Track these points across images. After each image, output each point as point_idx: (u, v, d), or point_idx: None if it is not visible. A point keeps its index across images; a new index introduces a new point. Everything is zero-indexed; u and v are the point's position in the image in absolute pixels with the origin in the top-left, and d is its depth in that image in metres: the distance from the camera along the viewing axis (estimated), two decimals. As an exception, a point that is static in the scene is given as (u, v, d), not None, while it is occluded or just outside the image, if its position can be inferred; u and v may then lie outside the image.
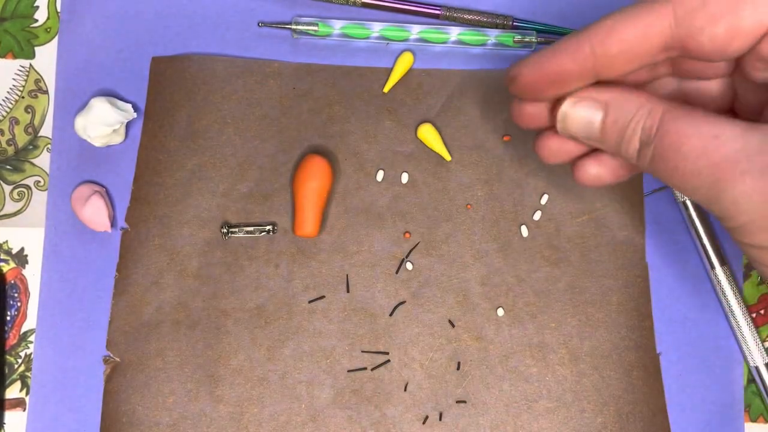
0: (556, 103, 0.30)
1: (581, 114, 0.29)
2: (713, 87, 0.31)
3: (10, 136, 0.41)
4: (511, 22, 0.41)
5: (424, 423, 0.38)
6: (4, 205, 0.41)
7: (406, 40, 0.41)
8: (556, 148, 0.33)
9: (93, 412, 0.39)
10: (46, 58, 0.42)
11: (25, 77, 0.42)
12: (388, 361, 0.39)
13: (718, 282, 0.39)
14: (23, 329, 0.40)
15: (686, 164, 0.26)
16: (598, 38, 0.27)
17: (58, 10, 0.42)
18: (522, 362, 0.39)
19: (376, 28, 0.41)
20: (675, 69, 0.31)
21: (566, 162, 0.33)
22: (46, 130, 0.41)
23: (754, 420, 0.39)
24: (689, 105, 0.27)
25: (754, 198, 0.24)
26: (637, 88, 0.30)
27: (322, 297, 0.39)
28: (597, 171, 0.32)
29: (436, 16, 0.41)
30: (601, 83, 0.29)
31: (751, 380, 0.40)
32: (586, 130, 0.29)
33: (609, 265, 0.40)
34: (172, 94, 0.41)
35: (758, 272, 0.26)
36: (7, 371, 0.39)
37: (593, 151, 0.32)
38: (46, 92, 0.41)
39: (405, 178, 0.40)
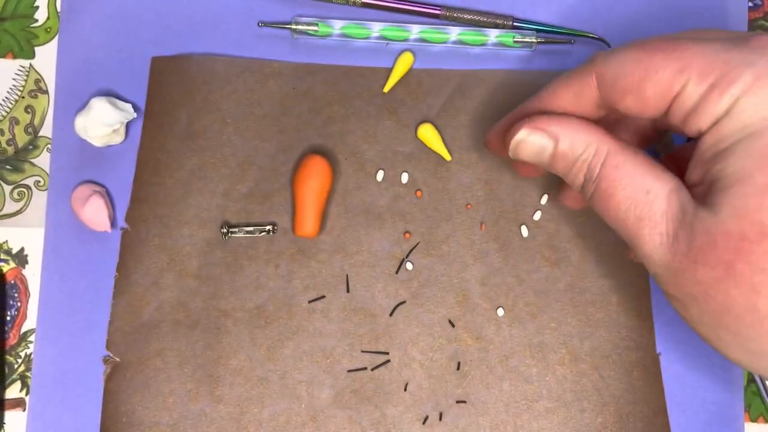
0: (510, 130, 0.32)
1: (533, 143, 0.31)
2: None
3: (10, 136, 0.41)
4: (511, 22, 0.41)
5: (424, 423, 0.38)
6: (4, 205, 0.41)
7: (406, 40, 0.41)
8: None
9: (93, 412, 0.39)
10: (46, 57, 0.42)
11: (25, 77, 0.42)
12: (388, 361, 0.39)
13: (718, 282, 0.39)
14: (23, 329, 0.40)
15: (617, 211, 0.29)
16: (545, 102, 0.32)
17: (58, 9, 0.42)
18: (522, 362, 0.39)
19: (376, 28, 0.41)
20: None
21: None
22: (46, 130, 0.41)
23: (754, 420, 0.39)
24: (635, 148, 0.30)
25: (662, 256, 0.28)
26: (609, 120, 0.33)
27: (322, 297, 0.39)
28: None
29: (436, 16, 0.41)
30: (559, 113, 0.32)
31: (751, 380, 0.40)
32: (537, 158, 0.32)
33: (609, 265, 0.40)
34: (172, 94, 0.41)
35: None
36: (7, 371, 0.39)
37: None
38: (46, 92, 0.41)
39: (405, 178, 0.40)
